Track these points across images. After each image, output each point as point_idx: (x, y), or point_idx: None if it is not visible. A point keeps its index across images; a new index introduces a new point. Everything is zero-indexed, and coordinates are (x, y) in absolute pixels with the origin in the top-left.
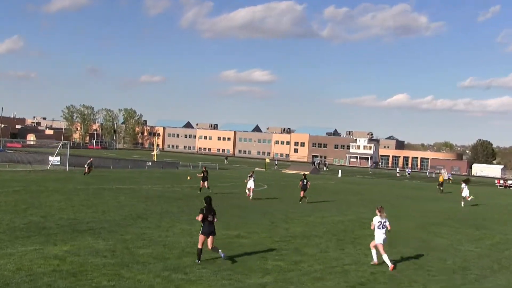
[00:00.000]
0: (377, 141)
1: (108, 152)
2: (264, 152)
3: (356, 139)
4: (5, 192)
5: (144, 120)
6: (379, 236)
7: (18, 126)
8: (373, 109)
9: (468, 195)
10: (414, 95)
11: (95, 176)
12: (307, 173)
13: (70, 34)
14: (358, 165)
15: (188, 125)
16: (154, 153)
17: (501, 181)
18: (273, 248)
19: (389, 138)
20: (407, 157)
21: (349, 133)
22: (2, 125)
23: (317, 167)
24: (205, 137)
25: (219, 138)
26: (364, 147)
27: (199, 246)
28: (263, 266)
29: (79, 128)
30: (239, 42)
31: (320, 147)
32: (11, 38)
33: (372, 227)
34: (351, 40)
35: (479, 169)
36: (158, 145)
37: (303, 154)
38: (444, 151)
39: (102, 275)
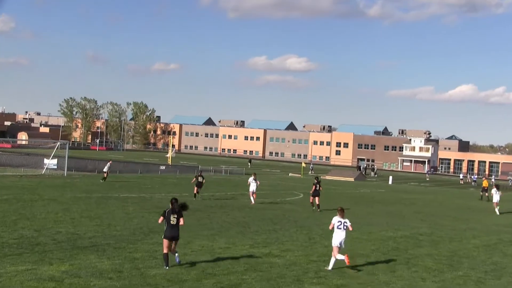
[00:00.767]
0: (436, 141)
1: (115, 154)
2: (300, 155)
3: (410, 139)
4: None
5: (157, 116)
6: (338, 237)
7: (7, 123)
8: (431, 103)
9: (497, 201)
10: (482, 86)
11: (99, 183)
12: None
13: (69, 13)
14: (412, 170)
15: (209, 122)
16: (169, 155)
17: None
18: (310, 269)
19: (450, 138)
20: (473, 161)
21: (402, 132)
22: None
23: (363, 172)
24: (230, 137)
25: (246, 138)
26: (420, 148)
27: (164, 251)
28: None
29: (79, 125)
30: (270, 23)
31: (367, 148)
32: None
33: (331, 227)
34: (405, 20)
35: None
36: (173, 146)
37: (346, 157)
38: None
39: None
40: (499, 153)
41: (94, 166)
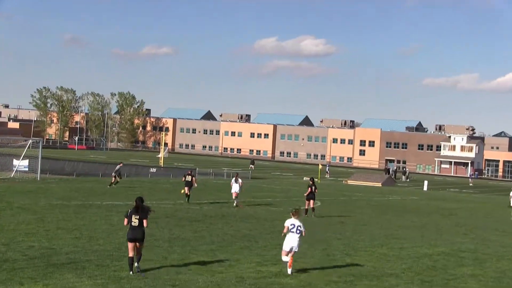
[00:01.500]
0: (481, 139)
1: (97, 154)
2: (316, 155)
3: (449, 137)
4: None
5: (146, 109)
6: (290, 241)
7: None
8: (475, 93)
9: None
10: None
11: (78, 187)
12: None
13: None
14: (452, 174)
15: (208, 117)
16: (161, 155)
17: None
18: None
19: (499, 134)
20: None
21: (440, 127)
22: None
23: (392, 176)
24: (233, 134)
25: (252, 135)
26: (462, 148)
27: (129, 255)
28: None
29: (55, 120)
30: None
31: (397, 147)
32: None
33: (285, 231)
34: None
35: None
36: (166, 145)
37: (372, 158)
38: None
39: None
40: None
41: (72, 168)
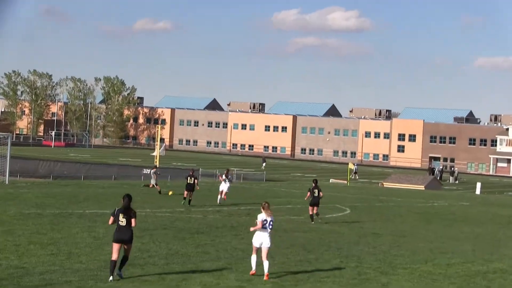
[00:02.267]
0: None
1: (78, 152)
2: (345, 152)
3: (507, 129)
4: None
5: (138, 98)
6: (260, 237)
7: None
8: None
9: None
10: None
11: (55, 193)
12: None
13: None
14: (511, 174)
15: (214, 106)
16: (156, 153)
17: None
18: None
19: None
20: None
21: (495, 118)
22: None
23: (438, 177)
24: (243, 126)
25: (267, 128)
26: None
27: (112, 258)
28: None
29: (27, 111)
30: None
31: (444, 142)
32: None
33: (258, 226)
34: None
35: None
36: (162, 140)
37: (413, 155)
38: None
39: None
40: None
41: (48, 170)
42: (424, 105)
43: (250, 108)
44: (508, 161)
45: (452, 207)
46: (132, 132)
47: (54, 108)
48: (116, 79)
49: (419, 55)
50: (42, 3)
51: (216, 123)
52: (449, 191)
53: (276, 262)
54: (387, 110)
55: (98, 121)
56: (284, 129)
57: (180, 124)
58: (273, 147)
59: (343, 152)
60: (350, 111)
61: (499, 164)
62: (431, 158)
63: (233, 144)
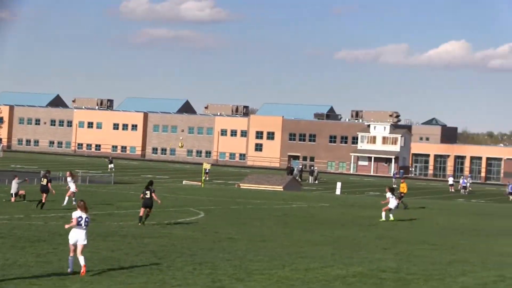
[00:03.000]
0: (408, 128)
1: None
2: (200, 152)
3: (369, 126)
4: None
5: None
6: (76, 235)
7: None
8: (401, 69)
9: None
10: (478, 43)
11: None
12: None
13: None
14: (372, 173)
15: (57, 103)
16: None
17: None
18: None
19: (429, 122)
20: (462, 157)
21: (357, 114)
22: None
23: (297, 177)
24: (90, 125)
25: (116, 126)
26: (384, 139)
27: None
28: None
29: None
30: None
31: (303, 140)
32: None
33: (73, 223)
34: None
35: None
36: (0, 140)
37: (271, 154)
38: None
39: None
40: (501, 145)
41: None
42: (283, 100)
43: (97, 105)
44: (370, 159)
45: (312, 209)
46: None
47: None
48: None
49: (277, 48)
50: None
51: (59, 121)
52: (308, 191)
53: (124, 271)
54: (244, 107)
55: None
56: (134, 127)
57: (20, 123)
58: (122, 147)
59: (197, 152)
60: (205, 108)
61: (360, 163)
62: (290, 157)
63: (79, 144)
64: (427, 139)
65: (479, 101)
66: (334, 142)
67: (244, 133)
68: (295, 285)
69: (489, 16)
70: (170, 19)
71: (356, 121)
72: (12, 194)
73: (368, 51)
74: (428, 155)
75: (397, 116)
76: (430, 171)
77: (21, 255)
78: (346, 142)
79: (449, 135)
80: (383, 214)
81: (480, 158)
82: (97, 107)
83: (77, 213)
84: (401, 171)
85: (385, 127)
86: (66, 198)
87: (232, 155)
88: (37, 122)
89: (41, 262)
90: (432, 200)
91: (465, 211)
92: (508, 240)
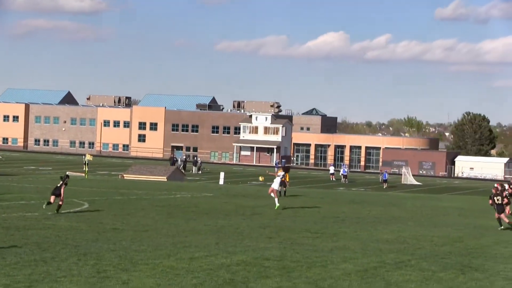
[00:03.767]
0: (289, 118)
1: None
2: (83, 143)
3: (250, 116)
4: None
5: None
6: None
7: None
8: (282, 60)
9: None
10: (357, 34)
11: None
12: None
13: None
14: (255, 163)
15: None
16: None
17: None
18: None
19: (309, 112)
20: (342, 146)
21: (239, 104)
22: None
23: (180, 167)
24: None
25: None
26: (266, 129)
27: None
28: None
29: None
30: None
31: (186, 131)
32: None
33: None
34: None
35: (467, 165)
36: None
37: (154, 145)
38: (407, 134)
39: None
40: (380, 134)
41: None
42: (165, 91)
43: None
44: (252, 149)
45: (195, 199)
46: None
47: None
48: None
49: (160, 38)
50: None
51: None
52: (192, 181)
53: (8, 263)
54: (127, 97)
55: None
56: (15, 118)
57: None
58: (3, 138)
59: (80, 143)
60: (88, 99)
61: (243, 153)
62: (173, 147)
63: None
64: (308, 129)
65: (357, 91)
66: (217, 132)
67: (127, 124)
68: (180, 274)
69: (367, 8)
70: (50, 10)
71: (238, 111)
72: None
73: (248, 42)
74: (309, 145)
75: (278, 107)
76: (311, 160)
77: None
78: (228, 133)
79: (329, 125)
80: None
81: (359, 147)
82: None
83: None
84: (283, 160)
85: (266, 118)
86: None
87: (115, 146)
88: None
89: None
90: (314, 189)
91: (346, 199)
92: (386, 228)
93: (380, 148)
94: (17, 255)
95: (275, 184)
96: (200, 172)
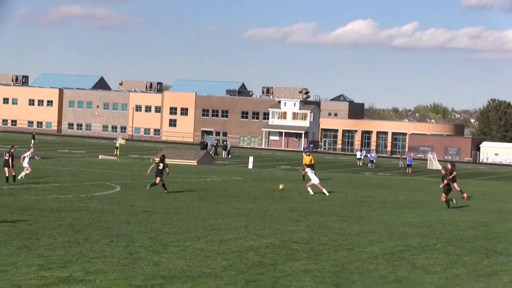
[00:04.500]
0: (317, 104)
1: None
2: (115, 127)
3: (279, 102)
4: None
5: None
6: None
7: None
8: (309, 47)
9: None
10: (385, 21)
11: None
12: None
13: None
14: (283, 148)
15: None
16: None
17: None
18: None
19: (337, 98)
20: (369, 132)
21: (268, 90)
22: None
23: (210, 151)
24: (5, 100)
25: (31, 102)
26: (294, 115)
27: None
28: None
29: None
30: None
31: (216, 116)
32: None
33: None
34: None
35: (492, 151)
36: None
37: (185, 129)
38: (432, 120)
39: None
40: (406, 120)
41: None
42: (196, 77)
43: (13, 81)
44: (280, 134)
45: (225, 183)
46: None
47: None
48: None
49: (190, 25)
50: None
51: None
52: (222, 166)
53: (42, 244)
54: (158, 83)
55: None
56: (49, 103)
57: None
58: (38, 123)
59: (113, 127)
60: (120, 84)
61: (272, 138)
62: (203, 132)
63: None
64: (336, 114)
65: (384, 78)
66: (246, 117)
67: (158, 109)
68: (210, 256)
69: None
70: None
71: (267, 97)
72: None
73: (277, 30)
74: (336, 130)
75: (307, 93)
76: (339, 146)
77: None
78: (257, 118)
79: (356, 111)
80: (309, 189)
81: (386, 133)
82: (12, 83)
83: None
84: (310, 145)
85: (295, 103)
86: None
87: (146, 131)
88: None
89: None
90: (341, 173)
91: (372, 184)
92: (412, 212)
93: (406, 134)
94: (51, 237)
95: (314, 179)
96: (229, 156)
